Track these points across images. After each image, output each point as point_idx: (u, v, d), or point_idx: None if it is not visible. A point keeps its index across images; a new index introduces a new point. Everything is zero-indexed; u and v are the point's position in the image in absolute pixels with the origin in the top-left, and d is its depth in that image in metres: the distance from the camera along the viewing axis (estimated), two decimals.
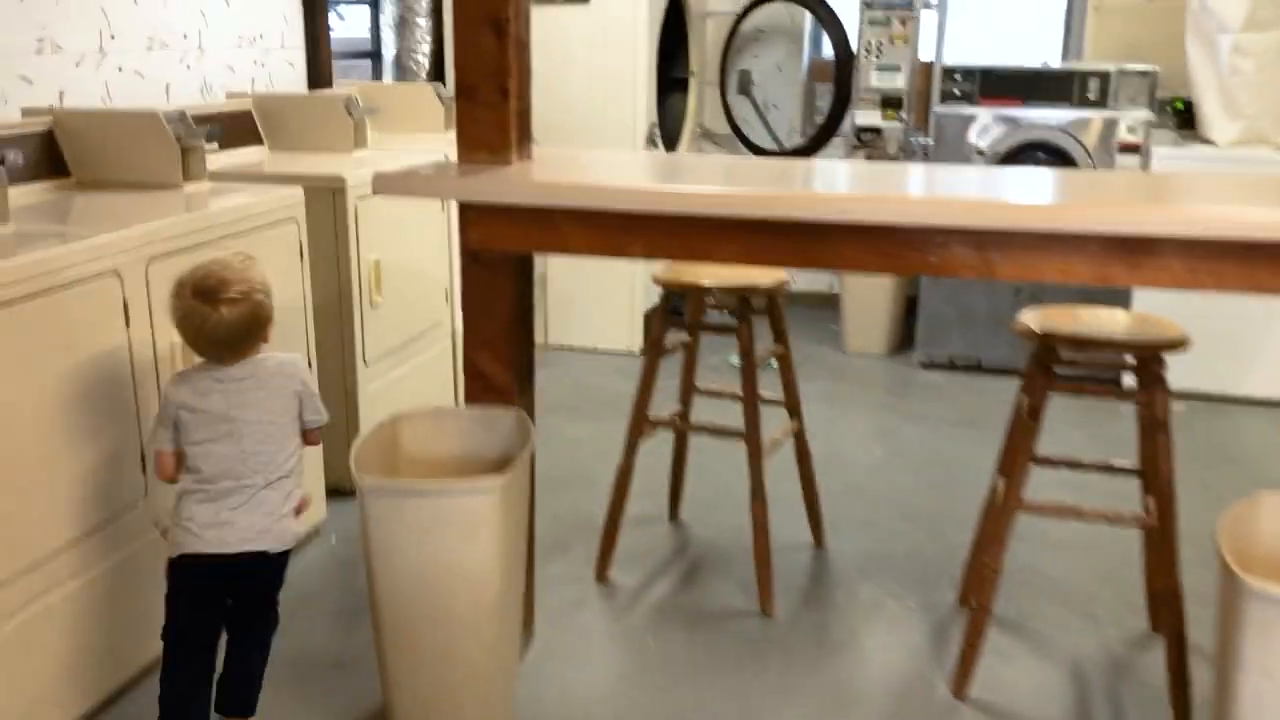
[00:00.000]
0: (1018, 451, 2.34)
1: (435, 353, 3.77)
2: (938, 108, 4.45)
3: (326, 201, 3.15)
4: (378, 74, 4.98)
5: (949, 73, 4.44)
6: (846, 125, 5.04)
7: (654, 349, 2.78)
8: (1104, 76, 4.29)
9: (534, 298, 2.39)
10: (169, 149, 2.83)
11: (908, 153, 4.79)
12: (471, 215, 2.08)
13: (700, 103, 5.48)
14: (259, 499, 1.95)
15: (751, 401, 2.67)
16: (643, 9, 4.53)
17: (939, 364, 4.75)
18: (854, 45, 4.91)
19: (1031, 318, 2.39)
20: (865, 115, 4.79)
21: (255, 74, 3.97)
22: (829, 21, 4.93)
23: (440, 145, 3.98)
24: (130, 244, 2.29)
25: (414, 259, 3.57)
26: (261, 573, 2.01)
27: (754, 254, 1.91)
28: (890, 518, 3.29)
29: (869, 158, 4.96)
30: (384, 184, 2.07)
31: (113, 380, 2.26)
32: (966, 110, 4.42)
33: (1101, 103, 4.29)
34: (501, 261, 2.19)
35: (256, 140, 3.65)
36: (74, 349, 2.15)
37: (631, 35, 4.56)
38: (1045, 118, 4.34)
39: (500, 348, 2.31)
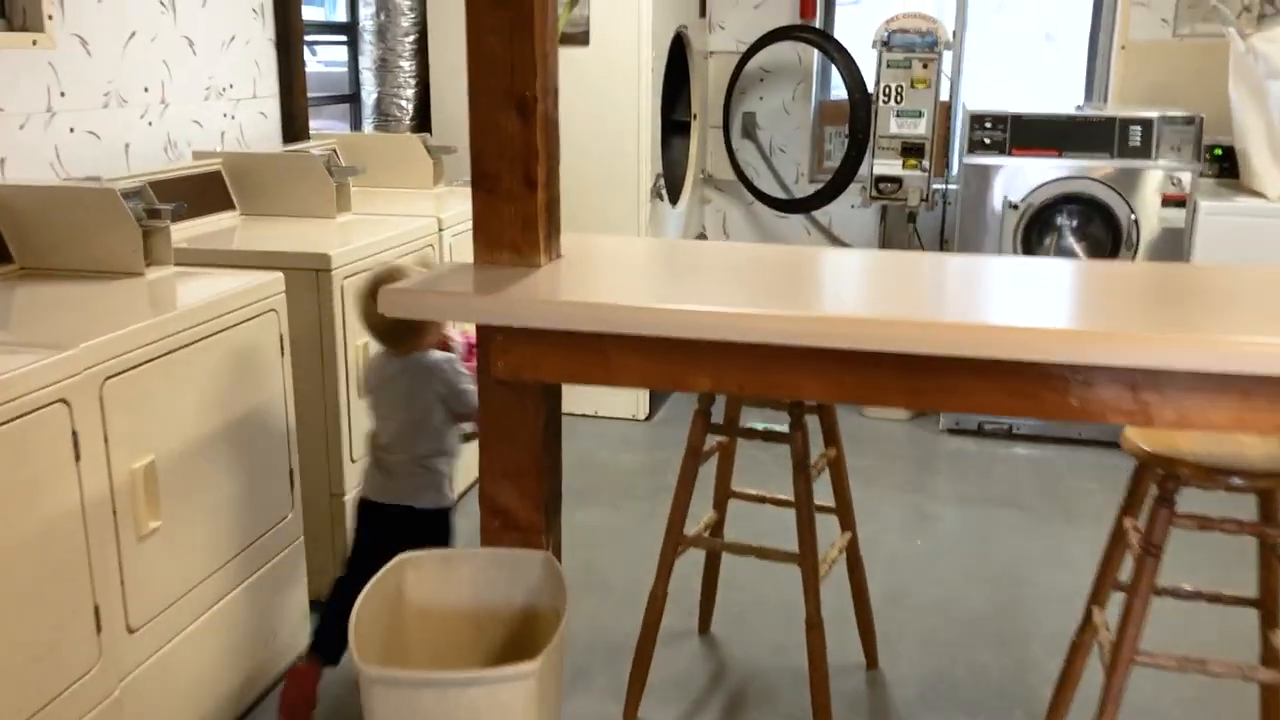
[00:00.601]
0: (1133, 594, 1.99)
1: None
2: (966, 158, 4.13)
3: (309, 283, 2.78)
4: (357, 119, 4.61)
5: (977, 120, 4.12)
6: (862, 171, 4.72)
7: (692, 457, 2.42)
8: (1145, 124, 3.99)
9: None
10: (128, 232, 2.44)
11: (929, 203, 4.47)
12: (498, 339, 1.71)
13: (703, 147, 5.14)
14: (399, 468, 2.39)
15: (808, 519, 2.32)
16: (646, 50, 4.19)
17: (966, 429, 4.42)
18: (869, 86, 4.59)
19: (1141, 436, 2.05)
20: (884, 164, 4.47)
21: (225, 127, 3.59)
22: (842, 61, 4.61)
23: (431, 205, 3.61)
24: (80, 365, 1.91)
25: None
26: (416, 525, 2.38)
27: (851, 391, 1.57)
28: (947, 628, 2.94)
29: (888, 208, 4.64)
30: (393, 304, 1.70)
31: (56, 535, 1.87)
32: (997, 160, 4.11)
33: (1143, 152, 3.99)
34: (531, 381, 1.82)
35: (227, 204, 3.27)
36: (6, 498, 1.76)
37: (635, 78, 4.22)
38: (1083, 168, 4.03)
39: (525, 479, 1.95)
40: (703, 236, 5.27)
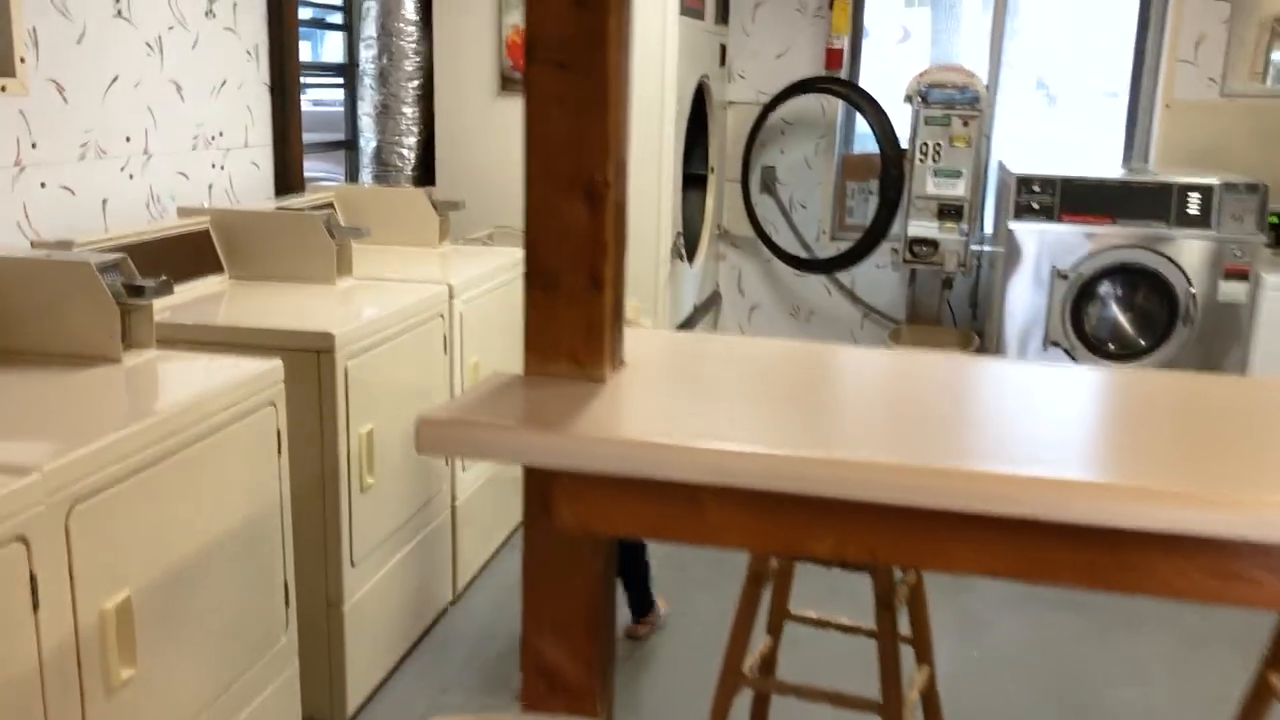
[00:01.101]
0: None
1: (435, 526, 3.06)
2: (1013, 223, 3.86)
3: (309, 365, 2.44)
4: (354, 168, 4.29)
5: (1025, 183, 3.85)
6: (894, 230, 4.44)
7: (753, 585, 2.10)
8: (1205, 191, 3.73)
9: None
10: (104, 312, 2.11)
11: (966, 268, 4.19)
12: (562, 483, 1.39)
13: (719, 201, 4.85)
14: None
15: (893, 665, 1.99)
16: (670, 102, 3.90)
17: None
18: (902, 142, 4.32)
19: None
20: (919, 225, 4.19)
21: (213, 178, 3.26)
22: (873, 115, 4.34)
23: (438, 268, 3.29)
24: (43, 493, 1.57)
25: (412, 415, 2.86)
26: None
27: (1015, 566, 1.25)
28: None
29: (917, 272, 4.36)
30: (433, 441, 1.37)
31: (5, 705, 1.52)
32: (1045, 226, 3.83)
33: (1202, 220, 3.72)
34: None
35: (215, 267, 2.93)
36: None
37: (657, 132, 3.92)
38: (1137, 237, 3.76)
39: (576, 634, 1.61)
40: (717, 295, 4.97)
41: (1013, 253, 3.87)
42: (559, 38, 1.47)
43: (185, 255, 2.81)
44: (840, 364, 1.84)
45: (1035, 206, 3.82)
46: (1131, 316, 3.90)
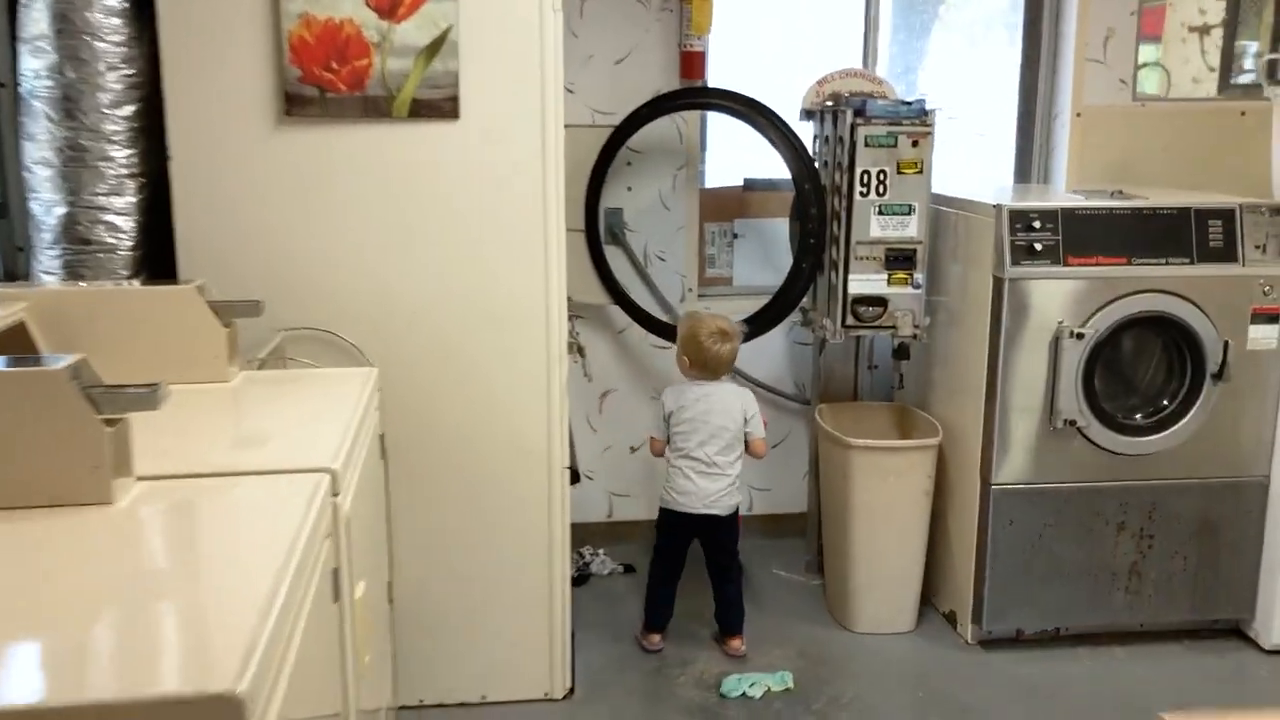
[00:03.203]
0: None
1: None
2: (1011, 270, 2.93)
3: None
4: (10, 258, 2.63)
5: (1019, 218, 2.95)
6: (822, 290, 3.41)
7: None
8: (1226, 215, 3.01)
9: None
10: None
11: (922, 332, 3.23)
12: None
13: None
14: (712, 477, 3.01)
15: None
16: (555, 125, 2.63)
17: (1001, 639, 3.20)
18: (818, 169, 3.30)
19: None
20: (863, 279, 3.18)
21: None
22: (780, 137, 3.27)
23: (268, 427, 1.80)
24: None
25: None
26: (718, 530, 3.06)
27: None
28: None
29: (860, 341, 3.33)
30: None
31: None
32: (1050, 272, 2.95)
33: (1227, 254, 2.99)
34: None
35: None
36: None
37: (538, 178, 2.63)
38: (1155, 278, 2.97)
39: None
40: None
41: (1013, 310, 2.95)
42: None
43: None
44: None
45: (1037, 248, 2.92)
46: (1152, 377, 3.12)
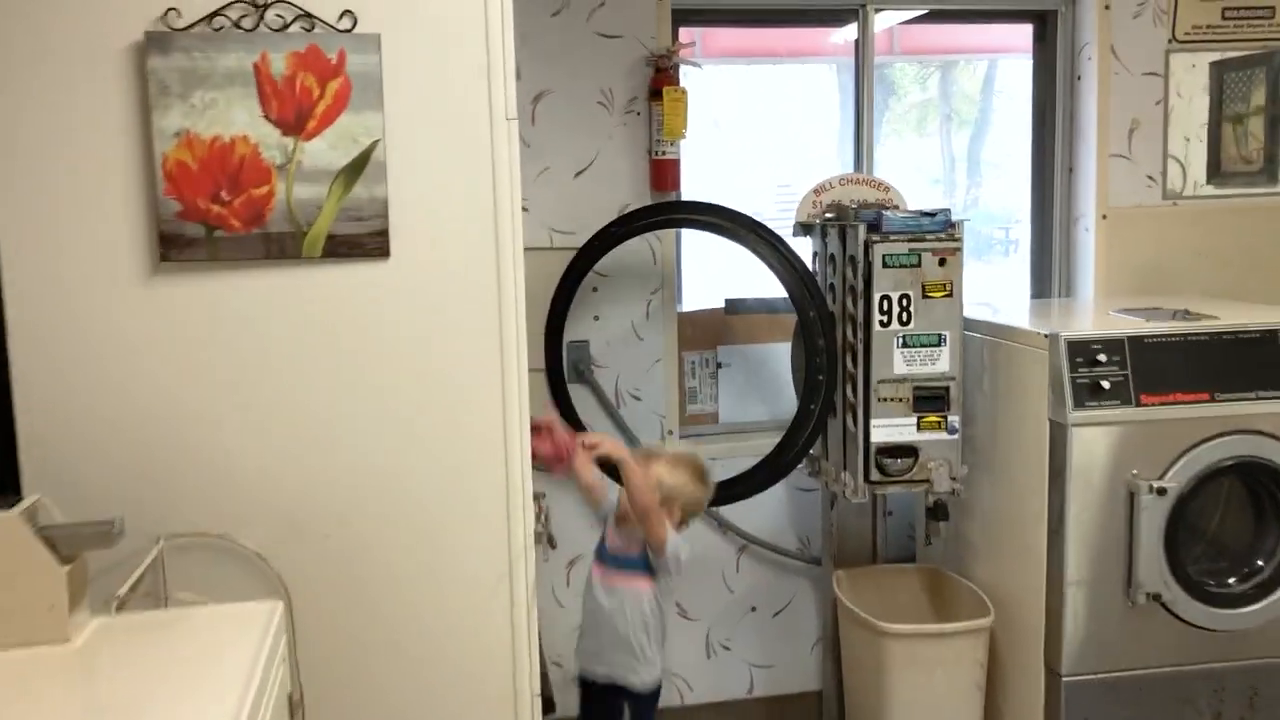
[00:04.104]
0: None
1: None
2: (1075, 414, 2.41)
3: None
4: None
5: (1079, 351, 2.44)
6: (836, 437, 2.85)
7: None
8: None
9: None
10: None
11: (960, 487, 2.68)
12: None
13: None
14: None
15: None
16: (510, 274, 2.06)
17: None
18: (824, 294, 2.77)
19: None
20: (889, 425, 2.64)
21: None
22: (778, 258, 2.74)
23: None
24: None
25: None
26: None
27: None
28: None
29: (878, 500, 2.76)
30: None
31: None
32: (1121, 415, 2.43)
33: None
34: None
35: None
36: None
37: (493, 330, 2.05)
38: (1244, 416, 2.46)
39: None
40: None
41: (1078, 461, 2.42)
42: None
43: None
44: None
45: (1104, 386, 2.40)
46: (1238, 532, 2.59)
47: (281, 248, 1.97)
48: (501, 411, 2.07)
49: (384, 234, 1.99)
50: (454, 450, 2.05)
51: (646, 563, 2.41)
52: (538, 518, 2.15)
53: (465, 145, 2.00)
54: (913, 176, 4.17)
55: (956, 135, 5.37)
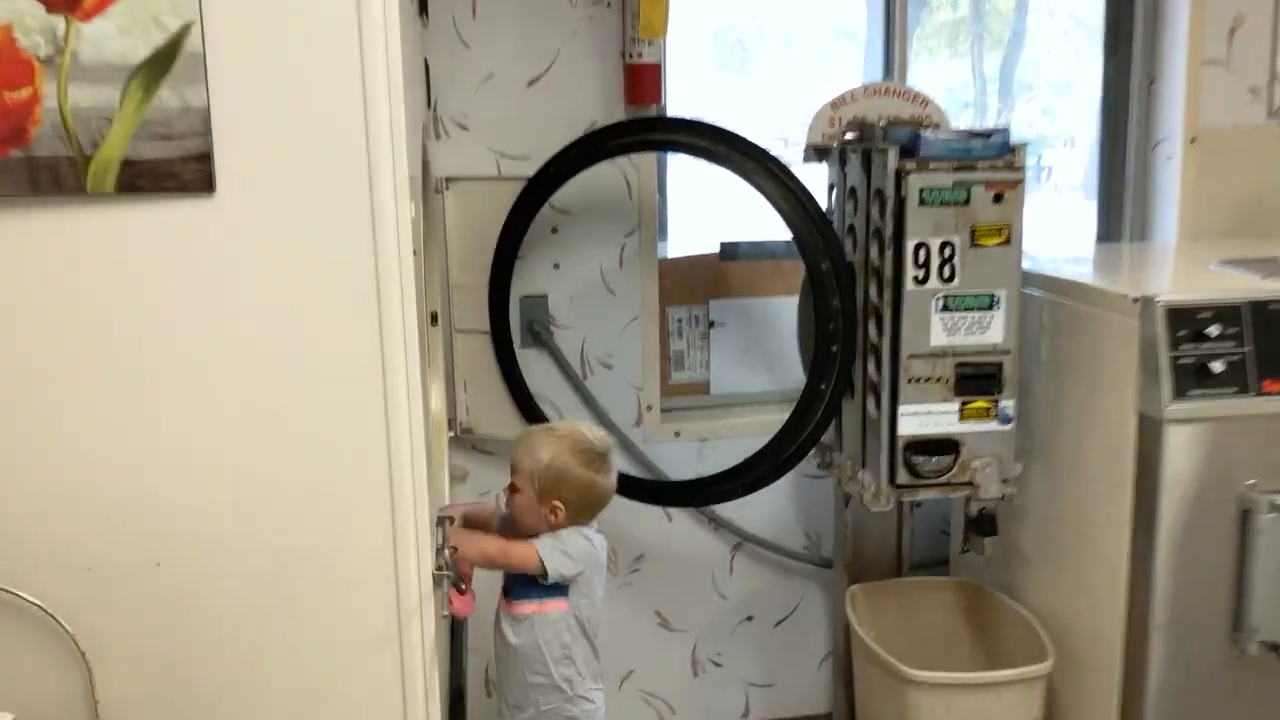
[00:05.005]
0: None
1: None
2: (1172, 407, 1.79)
3: None
4: None
5: (1181, 319, 1.81)
6: (851, 423, 2.25)
7: None
8: None
9: None
10: None
11: (1011, 490, 2.07)
12: None
13: (448, 377, 2.45)
14: None
15: None
16: (389, 215, 1.43)
17: None
18: (841, 240, 2.15)
19: None
20: (918, 412, 2.03)
21: None
22: (782, 192, 2.11)
23: None
24: None
25: None
26: None
27: None
28: None
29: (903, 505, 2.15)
30: None
31: None
32: (1234, 408, 1.82)
33: None
34: None
35: None
36: None
37: (369, 295, 1.44)
38: None
39: None
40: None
41: (1177, 467, 1.82)
42: None
43: None
44: None
45: (1215, 369, 1.79)
46: None
47: (55, 178, 1.38)
48: (384, 410, 1.48)
49: (205, 159, 1.39)
50: (317, 464, 1.47)
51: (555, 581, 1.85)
52: (439, 552, 1.56)
53: (323, 26, 1.38)
54: (943, 100, 3.54)
55: (989, 56, 4.73)
